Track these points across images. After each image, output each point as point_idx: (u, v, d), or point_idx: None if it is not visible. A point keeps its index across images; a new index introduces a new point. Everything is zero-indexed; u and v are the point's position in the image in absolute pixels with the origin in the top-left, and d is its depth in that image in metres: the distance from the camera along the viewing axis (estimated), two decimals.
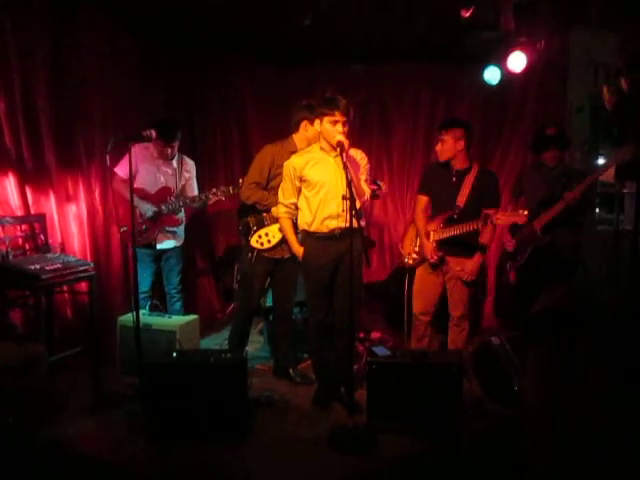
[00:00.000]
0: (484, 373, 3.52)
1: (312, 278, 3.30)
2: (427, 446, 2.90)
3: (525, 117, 4.98)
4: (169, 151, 4.02)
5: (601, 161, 4.78)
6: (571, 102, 4.63)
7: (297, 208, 3.31)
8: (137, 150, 3.91)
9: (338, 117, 3.04)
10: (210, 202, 4.00)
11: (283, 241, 3.51)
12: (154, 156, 4.04)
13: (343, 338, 3.21)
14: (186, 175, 4.17)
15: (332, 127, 3.06)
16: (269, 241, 3.56)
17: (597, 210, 4.59)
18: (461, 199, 3.48)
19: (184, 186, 4.16)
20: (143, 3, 4.03)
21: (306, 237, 3.29)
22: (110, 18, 4.24)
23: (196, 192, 4.20)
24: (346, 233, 2.97)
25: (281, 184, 3.35)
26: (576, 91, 4.58)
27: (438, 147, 3.54)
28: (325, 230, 3.20)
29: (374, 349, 3.19)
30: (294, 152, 3.43)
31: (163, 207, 4.00)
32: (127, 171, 3.43)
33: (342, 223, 3.08)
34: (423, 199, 3.71)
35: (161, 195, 4.04)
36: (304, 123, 3.48)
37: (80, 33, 4.04)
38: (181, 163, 4.15)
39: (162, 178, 4.07)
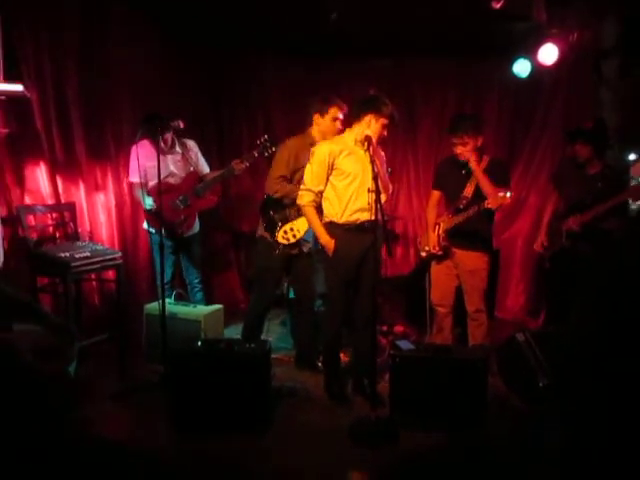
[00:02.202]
0: (508, 369, 3.48)
1: (341, 269, 3.23)
2: (449, 441, 2.89)
3: (555, 111, 4.89)
4: (162, 145, 3.94)
5: (632, 157, 4.67)
6: (603, 95, 4.51)
7: (321, 197, 3.27)
8: (138, 150, 3.79)
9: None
10: (237, 173, 3.97)
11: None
12: (154, 152, 3.92)
13: (367, 330, 3.19)
14: (193, 156, 4.14)
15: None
16: (294, 235, 3.55)
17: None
18: (468, 190, 3.56)
19: (195, 167, 4.16)
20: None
21: (334, 229, 3.22)
22: (139, 12, 4.29)
23: (207, 169, 4.22)
24: (373, 225, 2.98)
25: (308, 169, 3.25)
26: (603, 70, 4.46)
27: (459, 149, 3.53)
28: (356, 222, 3.19)
29: (398, 343, 3.18)
30: (313, 144, 3.44)
31: (196, 191, 4.02)
32: (137, 172, 3.60)
33: (372, 216, 3.07)
34: (435, 194, 3.84)
35: (189, 182, 4.05)
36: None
37: (110, 27, 4.11)
38: (185, 147, 4.13)
39: (173, 168, 4.05)
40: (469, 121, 3.54)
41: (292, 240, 3.55)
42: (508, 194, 3.27)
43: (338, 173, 3.18)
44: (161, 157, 3.92)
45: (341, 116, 3.50)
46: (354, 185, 3.16)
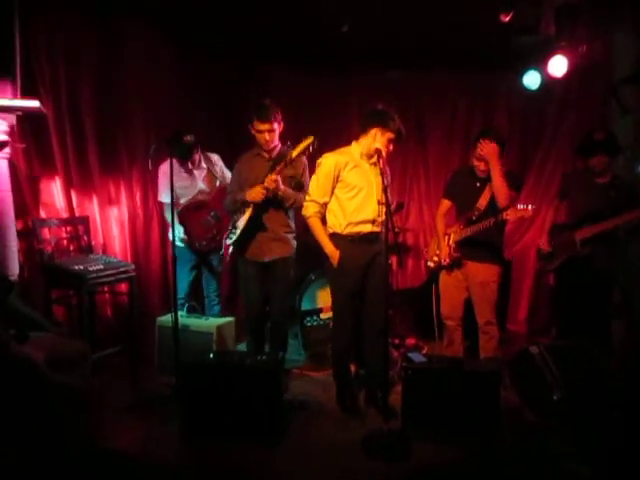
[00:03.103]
0: (522, 382, 3.45)
1: (346, 281, 3.24)
2: (462, 454, 2.86)
3: (566, 123, 4.88)
4: (189, 165, 3.99)
5: None
6: (614, 106, 4.51)
7: (326, 208, 3.28)
8: (166, 169, 3.80)
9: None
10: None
11: (249, 227, 3.42)
12: (181, 170, 3.99)
13: (378, 342, 3.17)
14: (218, 170, 4.15)
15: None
16: (236, 227, 3.46)
17: None
18: (482, 202, 3.53)
19: (223, 180, 4.16)
20: (184, 14, 4.14)
21: (337, 240, 3.23)
22: (152, 27, 4.36)
23: None
24: (379, 237, 3.04)
25: (313, 181, 3.28)
26: (620, 95, 4.46)
27: (484, 165, 3.46)
28: (360, 233, 3.21)
29: (409, 355, 3.17)
30: (259, 154, 3.50)
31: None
32: (165, 190, 3.59)
33: (376, 228, 3.19)
34: (445, 203, 3.80)
35: (219, 197, 4.07)
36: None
37: (123, 41, 4.18)
38: (210, 161, 4.14)
39: (202, 184, 4.08)
40: (501, 137, 3.48)
41: (238, 232, 3.44)
42: (530, 207, 3.25)
43: (343, 185, 3.21)
44: (189, 175, 4.02)
45: (264, 127, 3.38)
46: (358, 198, 3.19)
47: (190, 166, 4.00)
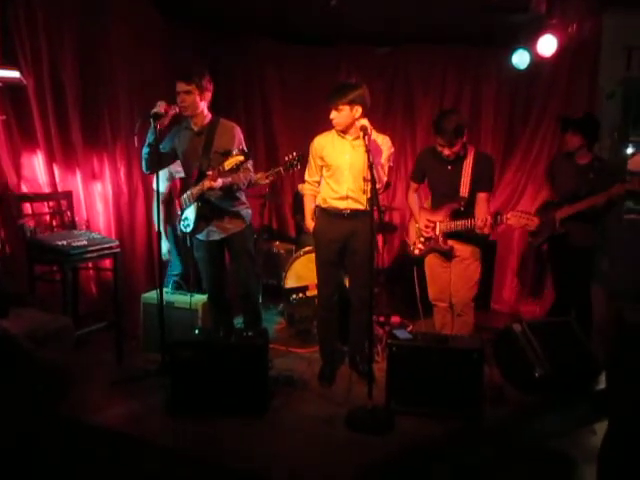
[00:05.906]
0: (505, 359, 3.51)
1: (321, 251, 3.43)
2: (445, 430, 2.90)
3: (554, 102, 4.87)
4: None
5: (630, 150, 4.69)
6: (602, 87, 4.53)
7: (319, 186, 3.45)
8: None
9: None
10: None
11: (200, 214, 3.35)
12: None
13: (361, 315, 3.27)
14: None
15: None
16: (188, 218, 3.40)
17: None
18: (464, 190, 3.43)
19: None
20: None
21: (318, 212, 3.44)
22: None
23: None
24: (357, 214, 3.20)
25: (308, 162, 3.48)
26: (608, 76, 4.48)
27: (447, 152, 3.36)
28: (335, 209, 3.32)
29: (395, 332, 3.19)
30: (187, 127, 3.37)
31: None
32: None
33: (352, 205, 3.26)
34: (414, 186, 3.72)
35: None
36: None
37: (108, 13, 4.06)
38: None
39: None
40: (458, 121, 3.29)
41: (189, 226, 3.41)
42: (536, 218, 3.24)
43: (325, 164, 3.36)
44: None
45: (180, 87, 3.23)
46: (334, 176, 3.30)
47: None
